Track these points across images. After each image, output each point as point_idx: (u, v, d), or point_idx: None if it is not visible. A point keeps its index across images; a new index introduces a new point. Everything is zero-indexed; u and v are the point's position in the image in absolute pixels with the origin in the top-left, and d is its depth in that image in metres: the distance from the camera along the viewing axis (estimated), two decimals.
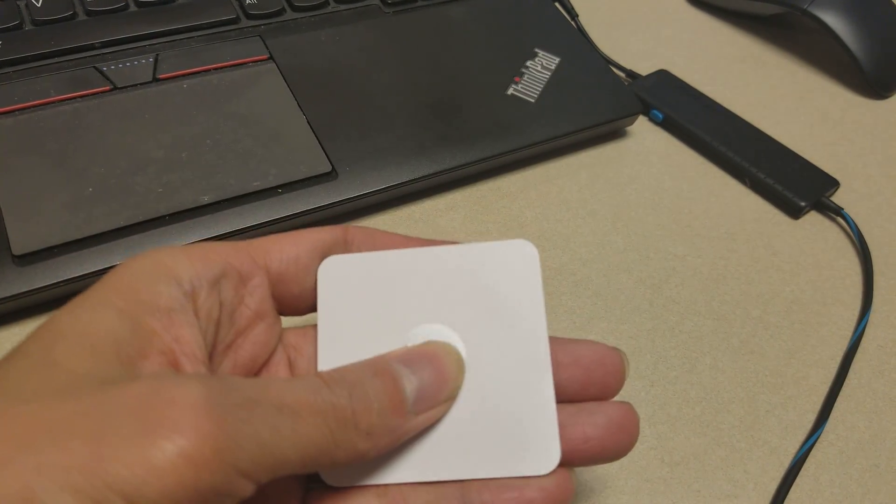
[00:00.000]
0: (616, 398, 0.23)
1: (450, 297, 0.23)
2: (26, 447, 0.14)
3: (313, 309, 0.23)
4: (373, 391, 0.18)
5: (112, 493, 0.14)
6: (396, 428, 0.19)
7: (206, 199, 0.32)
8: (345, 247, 0.23)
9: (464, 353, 0.22)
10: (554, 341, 0.22)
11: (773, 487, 0.30)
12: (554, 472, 0.21)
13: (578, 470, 0.29)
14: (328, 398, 0.17)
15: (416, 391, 0.20)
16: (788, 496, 0.29)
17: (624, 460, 0.30)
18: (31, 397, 0.15)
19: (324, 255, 0.23)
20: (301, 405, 0.17)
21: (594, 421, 0.21)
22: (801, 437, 0.31)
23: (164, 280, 0.19)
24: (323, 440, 0.17)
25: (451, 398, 0.21)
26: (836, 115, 0.47)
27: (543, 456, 0.21)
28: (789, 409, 0.32)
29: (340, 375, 0.18)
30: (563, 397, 0.22)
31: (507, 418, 0.21)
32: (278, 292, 0.22)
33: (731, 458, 0.30)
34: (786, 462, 0.30)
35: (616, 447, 0.22)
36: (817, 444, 0.31)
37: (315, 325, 0.23)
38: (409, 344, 0.22)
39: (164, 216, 0.32)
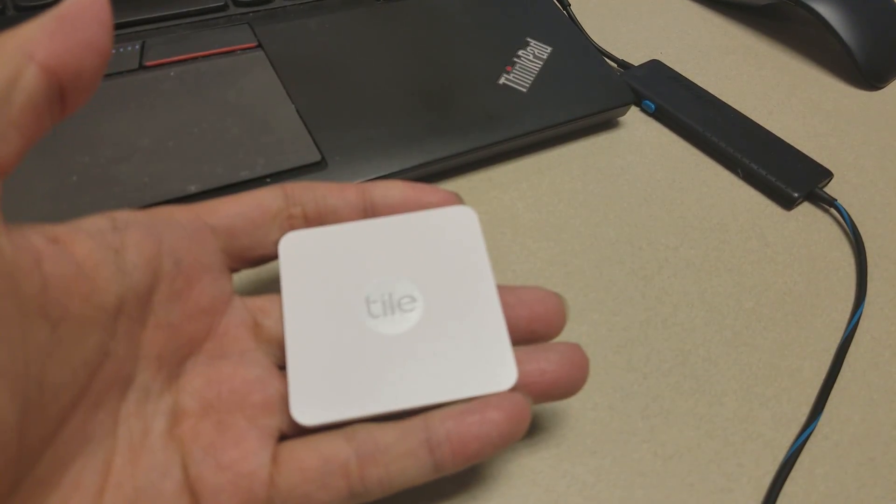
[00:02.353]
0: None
1: (402, 257, 0.25)
2: None
3: (265, 261, 0.25)
4: None
5: None
6: None
7: (192, 189, 0.32)
8: (286, 200, 0.25)
9: (419, 296, 0.24)
10: (499, 287, 0.25)
11: (767, 481, 0.29)
12: (510, 394, 0.23)
13: (571, 463, 0.29)
14: None
15: None
16: (783, 490, 0.29)
17: (616, 453, 0.29)
18: None
19: (269, 211, 0.25)
20: None
21: (548, 356, 0.24)
22: (796, 430, 0.31)
23: (105, 222, 0.21)
24: None
25: None
26: (829, 106, 0.47)
27: (502, 373, 0.23)
28: (783, 402, 0.32)
29: None
30: (514, 335, 0.24)
31: (463, 346, 0.23)
32: (229, 246, 0.24)
33: (725, 451, 0.30)
34: (780, 456, 0.30)
35: (570, 382, 0.24)
36: (812, 438, 0.31)
37: (277, 293, 0.25)
38: (368, 296, 0.24)
39: (149, 206, 0.31)
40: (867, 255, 0.38)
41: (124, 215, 0.22)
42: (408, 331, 0.24)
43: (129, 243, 0.21)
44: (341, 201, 0.26)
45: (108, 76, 0.35)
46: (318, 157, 0.34)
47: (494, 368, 0.23)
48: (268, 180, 0.33)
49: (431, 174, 0.37)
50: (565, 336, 0.33)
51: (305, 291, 0.24)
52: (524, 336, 0.25)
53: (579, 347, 0.25)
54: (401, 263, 0.25)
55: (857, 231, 0.38)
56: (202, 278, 0.23)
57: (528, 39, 0.43)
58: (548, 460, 0.29)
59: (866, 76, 0.48)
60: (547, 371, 0.23)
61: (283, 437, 0.22)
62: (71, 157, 0.32)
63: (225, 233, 0.24)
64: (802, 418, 0.31)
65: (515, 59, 0.41)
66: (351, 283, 0.25)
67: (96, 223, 0.21)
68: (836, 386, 0.32)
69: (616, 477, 0.29)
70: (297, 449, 0.21)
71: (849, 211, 0.39)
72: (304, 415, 0.22)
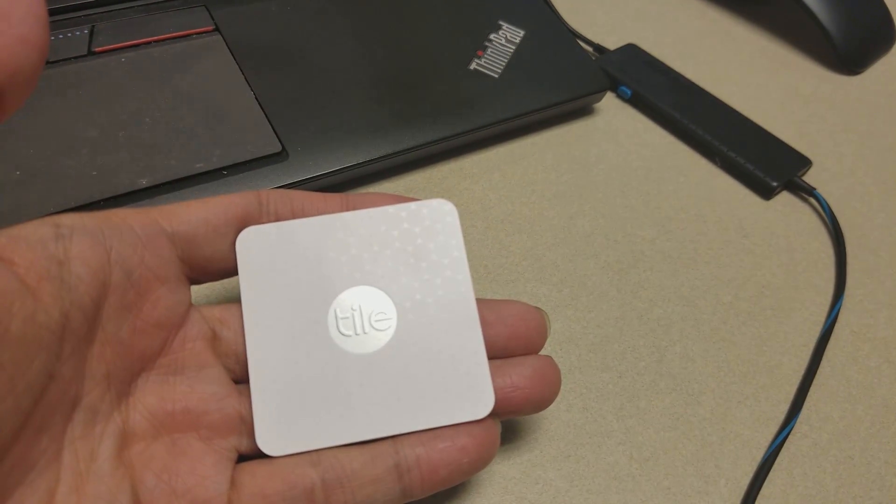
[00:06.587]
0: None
1: (373, 260, 0.23)
2: None
3: (229, 274, 0.23)
4: None
5: None
6: None
7: (144, 183, 0.30)
8: (259, 209, 0.23)
9: (393, 311, 0.23)
10: (478, 301, 0.24)
11: (745, 482, 0.28)
12: (482, 420, 0.22)
13: (543, 469, 0.28)
14: None
15: None
16: (761, 492, 0.28)
17: (591, 457, 0.28)
18: None
19: (237, 219, 0.22)
20: None
21: (520, 371, 0.23)
22: (774, 428, 0.30)
23: (47, 229, 0.19)
24: None
25: None
26: (808, 92, 0.46)
27: (479, 401, 0.22)
28: (761, 400, 0.31)
29: None
30: (490, 352, 0.23)
31: (439, 369, 0.22)
32: (189, 256, 0.22)
33: (702, 452, 0.29)
34: (758, 456, 0.29)
35: (541, 396, 0.23)
36: (790, 437, 0.30)
37: (237, 300, 0.23)
38: (337, 309, 0.22)
39: (98, 201, 0.29)
40: (846, 245, 0.37)
41: (69, 220, 0.19)
42: (379, 350, 0.22)
43: (74, 254, 0.19)
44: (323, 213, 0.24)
45: (54, 63, 0.33)
46: (278, 148, 0.32)
47: (471, 395, 0.22)
48: (224, 172, 0.31)
49: (399, 165, 0.36)
50: None
51: (267, 299, 0.22)
52: (500, 354, 0.24)
53: (551, 361, 0.24)
54: (372, 268, 0.23)
55: (837, 221, 0.38)
56: (156, 290, 0.21)
57: (500, 22, 0.41)
58: (520, 466, 0.28)
59: (845, 61, 0.47)
60: (519, 387, 0.23)
61: (241, 458, 0.21)
62: (13, 149, 0.30)
63: (184, 240, 0.22)
64: (781, 416, 0.30)
65: (487, 44, 0.40)
66: (319, 290, 0.23)
67: (37, 231, 0.18)
68: (814, 382, 0.32)
69: (590, 482, 0.28)
70: (259, 473, 0.20)
71: (828, 200, 0.38)
72: (271, 445, 0.21)
